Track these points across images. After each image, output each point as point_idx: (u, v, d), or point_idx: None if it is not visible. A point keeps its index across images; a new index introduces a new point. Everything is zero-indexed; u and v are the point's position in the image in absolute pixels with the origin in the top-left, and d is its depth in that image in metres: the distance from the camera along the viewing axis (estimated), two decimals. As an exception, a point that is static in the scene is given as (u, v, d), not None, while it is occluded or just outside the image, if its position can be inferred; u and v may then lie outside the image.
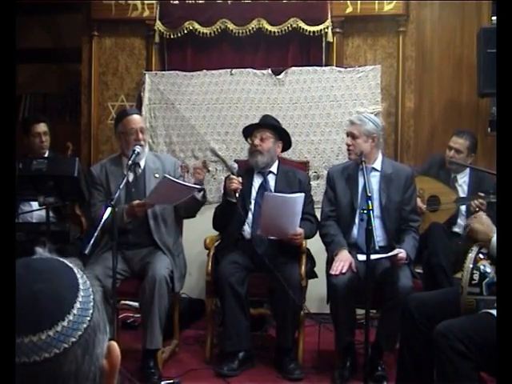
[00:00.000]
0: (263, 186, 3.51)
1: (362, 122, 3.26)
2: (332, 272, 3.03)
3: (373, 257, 2.76)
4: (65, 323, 0.68)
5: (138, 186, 3.36)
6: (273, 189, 3.50)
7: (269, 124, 3.57)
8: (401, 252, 3.05)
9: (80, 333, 0.69)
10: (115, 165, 3.37)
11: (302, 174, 3.68)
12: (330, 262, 3.19)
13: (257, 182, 3.54)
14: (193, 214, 3.43)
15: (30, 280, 0.69)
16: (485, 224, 2.28)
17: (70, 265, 0.75)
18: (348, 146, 3.28)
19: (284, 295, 3.15)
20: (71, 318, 0.69)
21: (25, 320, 0.66)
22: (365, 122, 3.26)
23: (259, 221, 3.31)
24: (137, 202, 3.17)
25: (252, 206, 3.47)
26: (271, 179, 3.54)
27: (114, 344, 0.75)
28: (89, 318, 0.70)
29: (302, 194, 3.23)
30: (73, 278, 0.73)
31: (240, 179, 3.34)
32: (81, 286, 0.72)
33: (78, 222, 4.02)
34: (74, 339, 0.68)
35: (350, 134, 3.29)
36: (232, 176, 3.35)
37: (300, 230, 3.26)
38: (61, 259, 0.76)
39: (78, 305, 0.70)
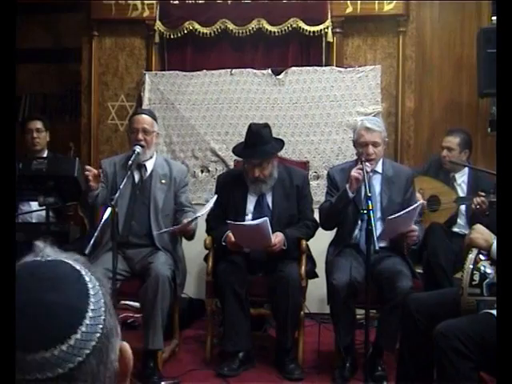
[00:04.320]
0: (260, 203, 3.38)
1: (381, 128, 3.22)
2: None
3: (391, 216, 2.95)
4: (78, 336, 0.64)
5: (143, 189, 3.36)
6: (271, 204, 3.38)
7: (262, 156, 3.26)
8: (415, 230, 3.08)
9: (93, 343, 0.65)
10: (124, 164, 3.34)
11: (299, 176, 3.46)
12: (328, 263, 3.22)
13: (252, 196, 3.38)
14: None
15: (39, 289, 0.65)
16: (484, 232, 2.27)
17: (77, 267, 0.71)
18: (370, 155, 3.15)
19: (284, 295, 3.16)
20: (84, 329, 0.65)
21: (36, 334, 0.63)
22: (382, 128, 3.24)
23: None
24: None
25: (249, 218, 3.35)
26: (268, 194, 3.39)
27: (126, 345, 0.72)
28: (101, 326, 0.67)
29: (265, 219, 3.09)
30: (82, 283, 0.69)
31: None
32: (91, 292, 0.68)
33: (80, 223, 4.02)
34: (87, 351, 0.65)
35: (371, 143, 3.16)
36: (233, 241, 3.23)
37: (276, 240, 3.20)
38: (66, 260, 0.72)
39: (89, 314, 0.66)
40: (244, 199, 3.39)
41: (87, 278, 0.70)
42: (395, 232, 3.12)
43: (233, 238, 3.24)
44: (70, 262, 0.72)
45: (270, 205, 3.39)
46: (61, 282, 0.67)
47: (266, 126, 3.41)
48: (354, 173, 3.06)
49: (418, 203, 3.08)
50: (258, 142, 3.28)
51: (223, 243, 3.28)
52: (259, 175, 3.28)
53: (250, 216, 3.36)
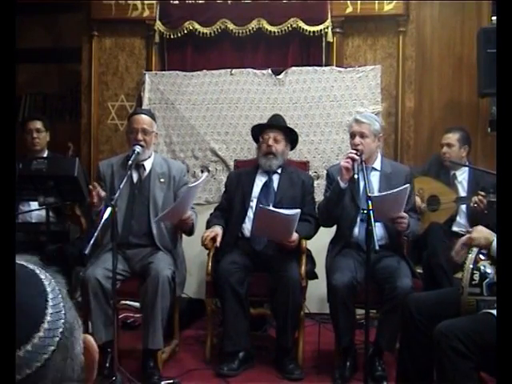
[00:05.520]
0: (267, 185, 3.51)
1: (371, 121, 3.26)
2: None
3: (375, 194, 2.99)
4: (41, 334, 0.64)
5: (142, 188, 3.35)
6: (276, 188, 3.50)
7: (282, 126, 3.58)
8: (404, 217, 3.07)
9: (57, 339, 0.65)
10: (122, 164, 3.35)
11: (306, 175, 3.70)
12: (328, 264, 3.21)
13: (260, 180, 3.54)
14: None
15: None
16: (483, 231, 2.28)
17: (31, 266, 0.71)
18: (356, 145, 3.19)
19: (284, 295, 3.16)
20: (46, 326, 0.65)
21: None
22: (373, 122, 3.27)
23: (252, 227, 3.33)
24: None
25: (253, 204, 3.46)
26: (275, 178, 3.54)
27: (89, 337, 0.73)
28: (63, 321, 0.67)
29: (298, 211, 3.16)
30: (38, 282, 0.69)
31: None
32: (48, 289, 0.68)
33: (78, 223, 4.02)
34: (52, 347, 0.65)
35: (358, 134, 3.22)
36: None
37: (294, 237, 3.25)
38: (18, 262, 0.71)
39: (49, 310, 0.66)
40: (251, 184, 3.52)
41: (42, 276, 0.70)
42: (384, 214, 3.05)
43: (208, 235, 3.37)
44: (21, 262, 0.71)
45: (276, 189, 3.51)
46: (17, 285, 0.66)
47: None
48: (343, 162, 3.11)
49: (405, 186, 3.06)
50: (276, 120, 3.64)
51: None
52: (272, 145, 3.46)
53: (254, 202, 3.46)
